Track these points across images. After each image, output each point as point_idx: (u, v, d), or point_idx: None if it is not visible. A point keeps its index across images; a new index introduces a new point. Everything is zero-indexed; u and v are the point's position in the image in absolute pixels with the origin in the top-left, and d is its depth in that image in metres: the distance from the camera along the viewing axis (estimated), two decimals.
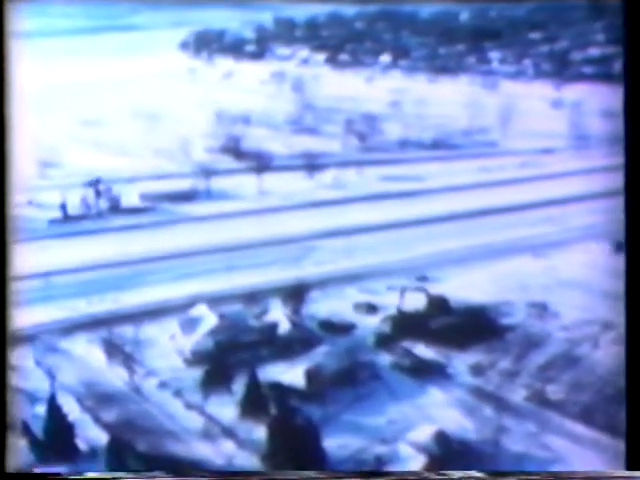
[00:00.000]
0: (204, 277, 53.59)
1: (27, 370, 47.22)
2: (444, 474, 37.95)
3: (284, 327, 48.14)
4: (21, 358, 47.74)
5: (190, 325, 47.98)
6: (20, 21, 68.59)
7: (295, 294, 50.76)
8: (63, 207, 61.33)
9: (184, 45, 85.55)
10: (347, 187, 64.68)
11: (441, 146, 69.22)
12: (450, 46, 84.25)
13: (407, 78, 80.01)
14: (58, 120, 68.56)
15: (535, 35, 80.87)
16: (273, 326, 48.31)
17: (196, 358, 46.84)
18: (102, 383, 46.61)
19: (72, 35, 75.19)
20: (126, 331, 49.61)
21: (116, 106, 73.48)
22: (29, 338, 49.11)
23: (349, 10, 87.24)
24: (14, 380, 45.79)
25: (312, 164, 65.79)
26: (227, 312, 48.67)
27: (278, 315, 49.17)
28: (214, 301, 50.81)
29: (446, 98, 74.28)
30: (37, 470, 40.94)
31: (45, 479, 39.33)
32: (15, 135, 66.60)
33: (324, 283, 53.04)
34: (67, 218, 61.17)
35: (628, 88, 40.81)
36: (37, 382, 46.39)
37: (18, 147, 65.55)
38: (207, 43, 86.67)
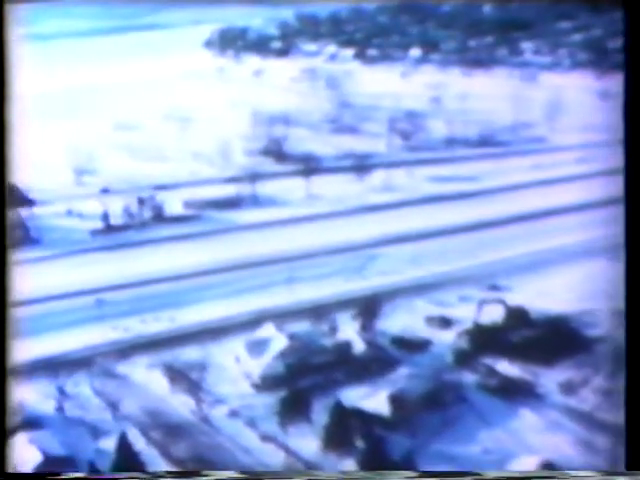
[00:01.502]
0: (264, 291, 48.61)
1: (84, 398, 42.30)
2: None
3: (358, 346, 43.20)
4: (75, 385, 42.93)
5: (257, 347, 43.05)
6: (40, 23, 63.57)
7: (365, 308, 45.80)
8: (105, 217, 56.04)
9: (209, 43, 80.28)
10: (398, 189, 59.69)
11: (488, 143, 64.27)
12: (479, 38, 79.20)
13: (441, 72, 74.94)
14: (89, 124, 63.62)
15: (565, 24, 75.83)
16: (346, 345, 43.38)
17: (266, 383, 41.95)
18: (167, 412, 41.74)
19: (94, 36, 70.27)
20: (187, 353, 44.62)
21: (147, 108, 68.25)
22: (83, 362, 44.20)
23: (370, 5, 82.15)
24: (73, 410, 41.07)
25: (359, 166, 60.75)
26: (296, 331, 43.69)
27: (350, 333, 44.27)
28: (278, 317, 45.97)
29: (486, 92, 69.21)
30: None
31: (45, 479, 36.46)
32: (48, 140, 61.65)
33: (391, 295, 48.15)
34: (109, 228, 55.91)
35: None
36: (97, 412, 41.51)
37: (50, 153, 60.68)
38: (232, 41, 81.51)
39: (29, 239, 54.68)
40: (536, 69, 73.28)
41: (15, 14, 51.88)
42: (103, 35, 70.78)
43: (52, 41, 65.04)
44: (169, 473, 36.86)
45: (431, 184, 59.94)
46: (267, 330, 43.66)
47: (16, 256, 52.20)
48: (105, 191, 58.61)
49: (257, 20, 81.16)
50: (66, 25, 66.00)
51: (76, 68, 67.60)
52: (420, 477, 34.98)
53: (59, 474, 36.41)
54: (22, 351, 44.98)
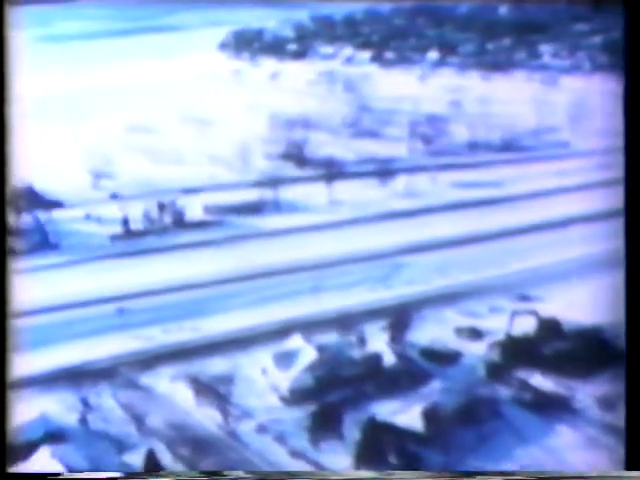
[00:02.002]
0: (289, 300, 47.06)
1: (107, 410, 40.85)
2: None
3: (388, 359, 41.66)
4: (98, 396, 41.51)
5: (285, 359, 41.49)
6: (54, 25, 62.22)
7: (393, 319, 44.26)
8: (125, 222, 54.44)
9: (224, 45, 78.69)
10: (421, 195, 58.09)
11: (511, 148, 62.69)
12: (496, 41, 77.64)
13: (460, 76, 73.38)
14: (105, 126, 62.16)
15: (582, 26, 74.17)
16: (376, 358, 41.83)
17: (295, 396, 40.43)
18: (193, 426, 40.21)
19: (108, 37, 68.78)
20: (212, 364, 43.12)
21: (163, 110, 66.72)
22: (105, 372, 42.76)
23: (385, 6, 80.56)
24: (96, 422, 39.65)
25: (382, 171, 59.18)
26: (325, 343, 42.14)
27: (379, 344, 42.71)
28: (304, 327, 44.43)
29: (506, 96, 67.57)
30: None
31: (45, 479, 35.84)
32: (63, 143, 60.28)
33: (419, 305, 46.55)
34: (129, 234, 54.33)
35: None
36: (120, 425, 40.07)
37: (66, 155, 59.28)
38: (247, 43, 79.94)
39: (47, 244, 53.29)
40: (556, 72, 71.73)
41: (28, 16, 50.72)
42: (117, 37, 69.31)
43: (67, 43, 63.75)
44: (171, 473, 36.17)
45: (455, 190, 58.39)
46: (295, 341, 42.13)
47: (35, 262, 50.88)
48: (121, 196, 57.12)
49: (272, 22, 79.56)
50: (80, 27, 64.63)
51: (90, 70, 66.17)
52: (431, 478, 34.51)
53: (59, 474, 35.79)
54: (41, 361, 43.62)
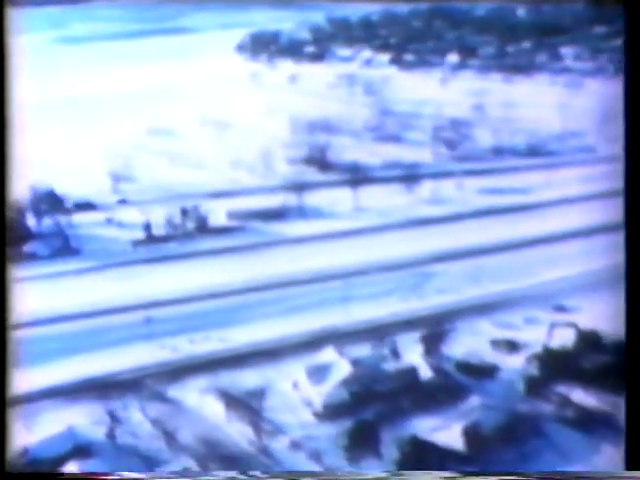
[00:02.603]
0: (318, 309, 45.25)
1: (135, 424, 39.06)
2: None
3: (424, 372, 39.80)
4: (125, 409, 39.75)
5: (318, 372, 39.63)
6: (68, 26, 60.48)
7: (427, 330, 42.44)
8: (147, 227, 52.56)
9: (241, 48, 76.85)
10: (448, 202, 56.26)
11: (537, 153, 60.82)
12: (516, 43, 75.72)
13: (481, 79, 71.50)
14: (123, 128, 60.47)
15: (603, 28, 72.18)
16: (411, 371, 39.97)
17: (329, 412, 38.56)
18: (224, 442, 38.39)
19: (122, 39, 67.20)
20: (241, 377, 41.32)
21: (182, 113, 64.89)
22: (132, 384, 41.00)
23: (402, 8, 78.67)
24: (124, 437, 37.87)
25: (407, 176, 57.31)
26: (359, 356, 40.30)
27: (414, 357, 40.86)
28: (335, 338, 42.65)
29: (529, 99, 65.73)
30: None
31: (45, 479, 35.09)
32: (80, 144, 58.48)
33: (452, 316, 44.71)
34: (151, 239, 52.46)
35: None
36: (149, 439, 38.29)
37: (84, 158, 57.51)
38: (264, 45, 78.06)
39: (69, 249, 51.57)
40: (579, 75, 69.77)
41: (43, 17, 49.33)
42: (131, 38, 67.76)
43: (81, 44, 62.21)
44: (174, 473, 35.17)
45: (481, 196, 56.56)
46: (327, 354, 40.29)
47: (56, 267, 49.08)
48: (142, 200, 55.33)
49: (288, 24, 77.63)
50: (94, 28, 63.03)
51: (106, 71, 64.51)
52: (435, 477, 33.54)
53: (59, 474, 35.02)
54: (66, 371, 41.91)
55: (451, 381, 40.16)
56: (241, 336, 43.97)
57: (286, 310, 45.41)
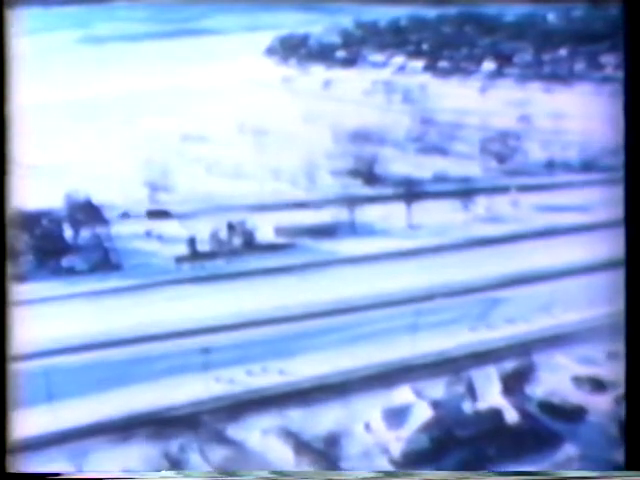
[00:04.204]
0: (384, 339, 40.70)
1: (193, 468, 34.46)
2: None
3: (508, 415, 35.21)
4: (182, 450, 35.16)
5: (395, 415, 35.03)
6: (93, 26, 56.17)
7: (503, 365, 37.88)
8: (192, 242, 47.79)
9: (270, 51, 72.03)
10: (504, 220, 51.69)
11: (591, 168, 56.18)
12: (552, 51, 71.10)
13: (521, 88, 66.92)
14: (156, 133, 55.79)
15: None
16: (495, 414, 35.37)
17: (407, 460, 33.94)
18: None
19: (148, 40, 62.59)
20: (307, 416, 36.70)
21: (216, 119, 60.08)
22: (188, 421, 36.35)
23: (430, 13, 74.01)
24: None
25: (459, 191, 52.73)
26: (437, 397, 35.71)
27: (494, 397, 36.26)
28: (404, 372, 38.10)
29: (576, 110, 61.02)
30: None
31: (45, 479, 32.83)
32: (118, 151, 53.93)
33: (526, 348, 40.16)
34: (196, 255, 47.67)
35: None
36: None
37: (120, 164, 52.82)
38: (294, 49, 73.28)
39: (109, 264, 46.87)
40: (623, 85, 65.25)
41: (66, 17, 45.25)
42: (156, 39, 63.10)
43: (106, 44, 57.59)
44: (177, 474, 33.04)
45: (539, 214, 52.04)
46: (403, 394, 35.68)
47: (97, 284, 44.59)
48: (181, 212, 50.68)
49: (316, 27, 72.99)
50: (119, 28, 58.44)
51: (134, 72, 59.90)
52: (435, 477, 31.44)
53: (59, 474, 32.91)
54: (111, 406, 37.27)
55: (536, 424, 35.69)
56: (302, 368, 39.40)
57: (349, 339, 40.86)
